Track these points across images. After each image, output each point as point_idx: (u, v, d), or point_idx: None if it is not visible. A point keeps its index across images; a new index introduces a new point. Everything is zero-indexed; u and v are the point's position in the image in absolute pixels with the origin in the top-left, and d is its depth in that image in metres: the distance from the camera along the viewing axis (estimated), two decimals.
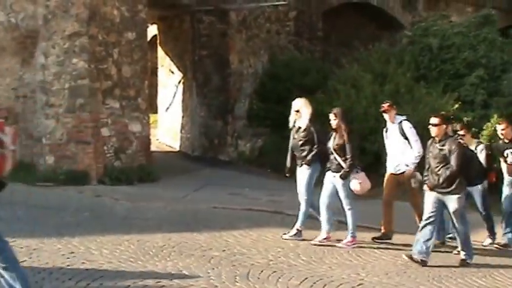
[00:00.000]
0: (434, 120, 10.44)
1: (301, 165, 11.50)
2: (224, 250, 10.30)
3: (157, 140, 24.63)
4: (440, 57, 22.23)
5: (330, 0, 25.48)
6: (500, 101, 21.13)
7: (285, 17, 23.90)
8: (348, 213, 11.28)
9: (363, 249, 11.29)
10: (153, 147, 19.88)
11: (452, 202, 10.31)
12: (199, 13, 22.11)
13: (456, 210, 10.37)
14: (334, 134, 11.20)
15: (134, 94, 17.69)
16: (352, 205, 11.28)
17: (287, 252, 10.58)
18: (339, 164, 11.08)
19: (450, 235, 12.02)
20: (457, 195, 10.27)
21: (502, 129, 12.49)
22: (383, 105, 12.14)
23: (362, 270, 9.75)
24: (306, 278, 8.92)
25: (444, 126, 10.44)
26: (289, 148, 11.75)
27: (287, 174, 11.86)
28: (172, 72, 24.03)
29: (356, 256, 10.78)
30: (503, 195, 12.64)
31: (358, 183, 11.08)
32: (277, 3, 23.24)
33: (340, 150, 11.05)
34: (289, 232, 11.51)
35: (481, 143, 13.04)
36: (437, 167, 10.29)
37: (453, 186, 10.23)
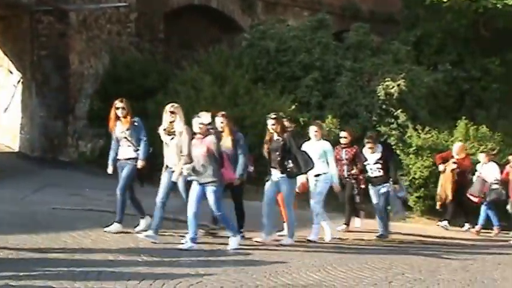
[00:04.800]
0: None
1: None
2: (63, 251, 10.32)
3: None
4: (277, 60, 22.84)
5: (171, 2, 25.63)
6: (334, 102, 21.97)
7: (126, 18, 23.89)
8: None
9: (202, 249, 11.65)
10: None
11: None
12: (38, 13, 21.78)
13: None
14: None
15: None
16: None
17: (127, 251, 10.76)
18: None
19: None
20: None
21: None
22: None
23: (201, 268, 9.98)
24: (144, 278, 9.02)
25: None
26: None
27: None
28: (11, 72, 23.56)
29: (196, 254, 11.10)
30: None
31: None
32: (118, 4, 23.19)
33: None
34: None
35: None
36: None
37: None
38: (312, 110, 21.52)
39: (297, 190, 13.13)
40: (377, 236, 15.06)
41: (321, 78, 22.47)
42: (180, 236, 12.07)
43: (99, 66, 22.92)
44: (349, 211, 15.82)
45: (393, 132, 20.76)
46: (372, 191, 15.31)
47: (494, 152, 20.03)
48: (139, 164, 12.17)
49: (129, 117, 12.25)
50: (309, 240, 13.41)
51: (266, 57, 22.92)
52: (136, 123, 12.27)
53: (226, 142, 12.55)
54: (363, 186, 15.52)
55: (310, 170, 12.94)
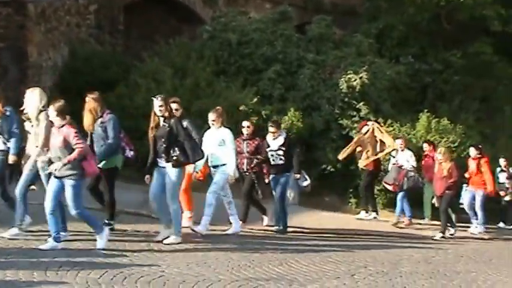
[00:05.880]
0: None
1: None
2: (20, 247, 10.19)
3: None
4: (239, 52, 22.69)
5: None
6: (296, 95, 21.88)
7: (86, 10, 23.61)
8: None
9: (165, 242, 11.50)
10: None
11: None
12: None
13: None
14: None
15: None
16: None
17: (86, 245, 10.63)
18: None
19: None
20: None
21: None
22: None
23: (163, 262, 9.90)
24: (106, 271, 8.95)
25: None
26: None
27: None
28: None
29: (157, 248, 10.95)
30: None
31: None
32: None
33: None
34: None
35: None
36: None
37: None
38: (274, 103, 21.42)
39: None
40: (274, 231, 14.27)
41: (283, 70, 22.37)
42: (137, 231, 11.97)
43: (58, 59, 22.61)
44: (245, 206, 14.62)
45: (355, 125, 20.72)
46: (272, 181, 14.56)
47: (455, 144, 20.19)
48: (11, 159, 11.00)
49: (0, 106, 11.17)
50: (194, 231, 12.54)
51: (228, 50, 22.77)
52: (8, 113, 11.18)
53: (87, 124, 11.68)
54: (266, 181, 14.77)
55: (199, 159, 11.94)
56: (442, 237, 16.05)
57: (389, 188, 17.73)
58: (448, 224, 16.46)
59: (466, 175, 17.53)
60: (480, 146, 18.34)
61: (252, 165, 14.44)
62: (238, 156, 13.99)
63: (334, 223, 16.67)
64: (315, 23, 24.66)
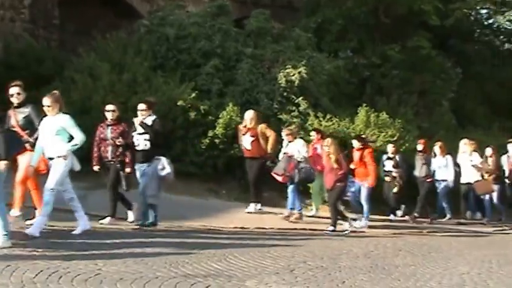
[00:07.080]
0: None
1: None
2: None
3: None
4: (177, 47, 22.42)
5: None
6: (235, 90, 21.74)
7: (20, 4, 23.21)
8: None
9: (99, 239, 11.34)
10: None
11: None
12: None
13: None
14: None
15: None
16: None
17: (23, 244, 10.41)
18: None
19: None
20: None
21: None
22: None
23: (99, 260, 9.73)
24: (42, 271, 8.76)
25: None
26: None
27: None
28: None
29: (94, 246, 10.79)
30: None
31: None
32: None
33: None
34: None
35: None
36: None
37: None
38: (212, 98, 21.24)
39: None
40: (139, 224, 13.52)
41: (221, 65, 22.18)
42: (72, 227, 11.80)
43: None
44: (113, 200, 13.71)
45: (294, 119, 20.69)
46: (137, 171, 13.69)
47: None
48: None
49: None
50: (26, 234, 11.18)
51: (165, 44, 22.49)
52: None
53: None
54: (129, 170, 13.60)
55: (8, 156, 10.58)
56: (333, 230, 15.75)
57: (279, 179, 17.19)
58: (339, 218, 16.18)
59: (352, 166, 17.46)
60: (364, 137, 18.37)
61: (118, 153, 13.60)
62: (102, 143, 13.57)
63: (274, 219, 16.63)
64: (253, 16, 24.54)
